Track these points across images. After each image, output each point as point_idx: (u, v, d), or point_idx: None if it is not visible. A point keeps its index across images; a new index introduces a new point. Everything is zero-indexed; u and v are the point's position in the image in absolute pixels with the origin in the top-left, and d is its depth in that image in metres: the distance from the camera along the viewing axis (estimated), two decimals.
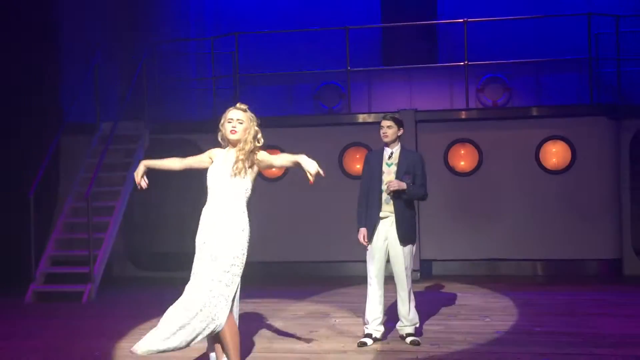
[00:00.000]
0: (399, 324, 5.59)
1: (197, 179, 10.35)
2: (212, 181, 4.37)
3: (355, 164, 9.50)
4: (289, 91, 10.68)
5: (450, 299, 7.54)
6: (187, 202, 10.44)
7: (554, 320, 6.33)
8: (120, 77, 10.31)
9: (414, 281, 8.86)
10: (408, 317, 5.53)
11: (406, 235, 5.49)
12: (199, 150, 10.62)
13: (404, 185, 5.37)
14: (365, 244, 5.50)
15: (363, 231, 5.50)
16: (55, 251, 8.66)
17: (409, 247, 5.52)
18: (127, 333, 6.29)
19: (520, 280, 8.87)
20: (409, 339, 5.49)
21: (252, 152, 4.33)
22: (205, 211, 4.37)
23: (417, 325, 5.64)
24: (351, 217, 5.78)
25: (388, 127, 5.52)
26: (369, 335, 5.52)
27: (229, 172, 4.30)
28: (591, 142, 9.21)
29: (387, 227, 5.48)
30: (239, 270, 4.25)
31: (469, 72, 9.69)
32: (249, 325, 6.43)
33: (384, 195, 5.46)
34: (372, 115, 9.61)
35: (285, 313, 6.99)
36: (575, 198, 9.21)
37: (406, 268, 5.51)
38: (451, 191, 9.39)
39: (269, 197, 9.59)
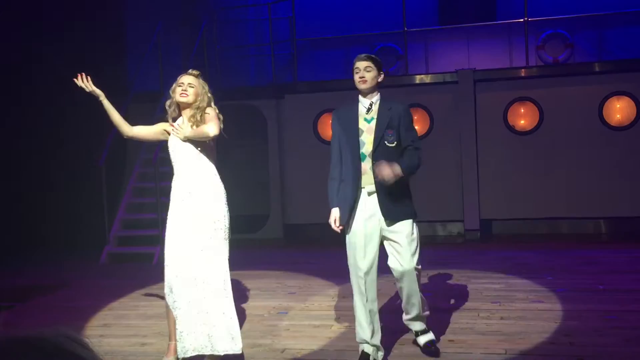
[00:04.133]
0: (404, 316, 4.36)
1: (260, 142, 10.54)
2: (178, 153, 4.26)
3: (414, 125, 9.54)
4: (346, 54, 10.69)
5: (511, 258, 7.56)
6: (249, 166, 10.73)
7: (618, 278, 6.29)
8: (181, 45, 10.54)
9: (472, 241, 8.99)
10: (421, 311, 4.25)
11: (398, 211, 4.04)
12: (261, 116, 10.79)
13: (398, 171, 3.91)
14: (337, 229, 4.12)
15: (334, 213, 4.11)
16: (126, 215, 9.04)
17: (407, 224, 4.05)
18: None
19: (582, 238, 8.80)
20: (422, 339, 4.32)
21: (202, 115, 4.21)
22: (177, 184, 4.26)
23: (428, 313, 4.37)
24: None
25: (366, 69, 4.10)
26: (365, 358, 4.12)
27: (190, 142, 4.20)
28: None
29: (374, 205, 4.04)
30: (225, 233, 4.25)
31: (529, 29, 9.51)
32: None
33: (366, 163, 4.06)
34: (430, 76, 9.58)
35: None
36: None
37: (413, 255, 4.05)
38: (511, 150, 9.32)
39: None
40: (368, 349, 4.08)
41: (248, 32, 11.35)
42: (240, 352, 4.18)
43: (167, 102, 4.35)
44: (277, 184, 10.00)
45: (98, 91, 4.27)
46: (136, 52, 9.81)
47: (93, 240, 8.80)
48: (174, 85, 4.32)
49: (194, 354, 4.16)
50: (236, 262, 8.28)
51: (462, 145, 9.26)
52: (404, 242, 4.01)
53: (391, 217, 4.02)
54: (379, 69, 4.14)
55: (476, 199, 9.24)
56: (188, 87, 4.24)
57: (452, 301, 5.61)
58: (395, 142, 4.07)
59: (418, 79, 9.57)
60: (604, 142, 9.08)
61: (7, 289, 6.95)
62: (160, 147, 8.80)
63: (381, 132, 4.05)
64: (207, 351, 4.14)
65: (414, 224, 4.08)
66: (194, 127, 4.20)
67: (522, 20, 9.50)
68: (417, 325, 4.30)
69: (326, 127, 9.97)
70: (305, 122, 9.88)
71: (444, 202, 9.25)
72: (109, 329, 5.32)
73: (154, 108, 9.52)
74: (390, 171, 3.89)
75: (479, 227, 9.20)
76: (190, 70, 4.36)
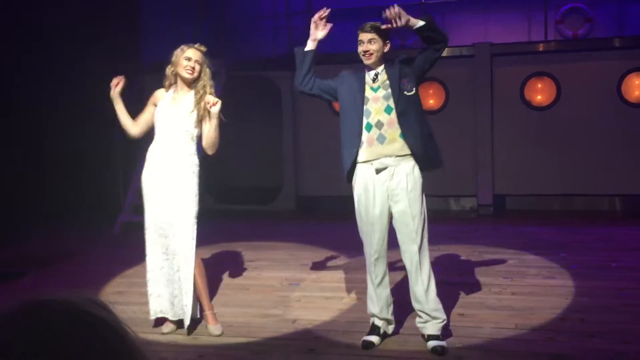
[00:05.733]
0: (418, 319, 4.03)
1: (274, 114, 10.51)
2: (165, 124, 4.26)
3: (429, 99, 9.46)
4: None
5: (524, 234, 7.53)
6: (262, 138, 10.72)
7: (631, 256, 6.26)
8: (197, 16, 10.46)
9: (485, 217, 8.96)
10: (426, 304, 3.90)
11: (427, 160, 3.91)
12: (275, 87, 10.72)
13: (405, 13, 3.73)
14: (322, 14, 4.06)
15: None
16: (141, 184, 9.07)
17: (416, 203, 3.85)
18: (209, 259, 6.64)
19: (597, 215, 8.73)
20: (431, 344, 3.91)
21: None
22: (154, 152, 4.28)
23: (444, 321, 3.98)
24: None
25: (370, 41, 3.85)
26: (375, 330, 4.09)
27: (185, 115, 4.22)
28: None
29: (382, 183, 3.85)
30: (195, 211, 4.25)
31: (548, 2, 9.36)
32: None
33: (373, 133, 3.84)
34: (447, 49, 9.46)
35: None
36: None
37: (419, 235, 3.85)
38: (527, 125, 9.24)
39: None
40: (378, 322, 4.10)
41: (264, 3, 11.24)
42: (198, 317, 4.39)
43: (169, 70, 4.32)
44: (290, 156, 9.99)
45: (117, 96, 4.34)
46: (150, 19, 9.76)
47: (108, 209, 8.86)
48: (177, 54, 4.27)
49: (159, 315, 4.37)
50: (248, 233, 8.37)
51: (477, 120, 9.20)
52: (408, 220, 3.86)
53: (424, 166, 3.88)
54: (386, 38, 3.88)
55: (490, 174, 9.20)
56: (195, 63, 4.25)
57: (464, 276, 5.62)
58: (414, 90, 3.85)
59: None
60: (622, 119, 8.97)
61: (22, 256, 7.04)
62: None
63: (397, 91, 3.82)
64: (169, 315, 4.34)
65: (423, 201, 3.91)
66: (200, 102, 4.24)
67: None
68: (430, 329, 3.95)
69: None
70: None
71: (457, 177, 9.20)
72: (122, 296, 5.39)
73: None
74: (399, 12, 3.70)
75: (492, 202, 9.17)
76: (198, 45, 4.32)
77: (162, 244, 4.27)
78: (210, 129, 4.25)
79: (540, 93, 9.32)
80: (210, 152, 4.35)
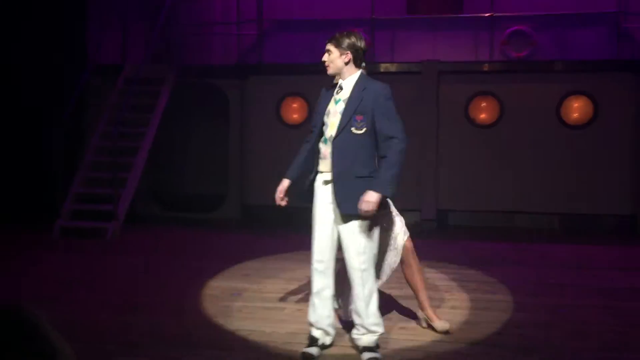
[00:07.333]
0: (353, 330, 4.06)
1: (221, 122, 10.40)
2: None
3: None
4: (313, 38, 10.64)
5: (465, 249, 7.65)
6: (209, 146, 10.62)
7: (569, 273, 6.42)
8: (146, 20, 10.30)
9: (428, 232, 9.04)
10: (366, 319, 3.91)
11: (350, 204, 3.77)
12: (223, 95, 10.59)
13: (374, 198, 3.71)
14: (279, 202, 4.01)
15: (282, 183, 4.01)
16: (81, 189, 8.84)
17: (360, 223, 3.83)
18: (149, 269, 6.53)
19: (535, 233, 8.93)
20: (365, 356, 3.93)
21: None
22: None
23: (379, 332, 4.00)
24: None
25: (327, 52, 3.94)
26: (314, 342, 4.07)
27: None
28: (614, 98, 9.14)
29: (329, 193, 3.89)
30: None
31: (495, 24, 9.58)
32: None
33: (327, 147, 3.87)
34: (395, 65, 9.59)
35: None
36: (594, 154, 9.18)
37: (359, 254, 3.86)
38: (471, 143, 9.41)
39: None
40: (315, 332, 4.08)
41: (214, 10, 11.14)
42: None
43: None
44: (237, 164, 9.91)
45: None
46: (98, 23, 9.56)
47: (45, 213, 8.61)
48: None
49: None
50: (192, 241, 8.25)
51: (423, 135, 9.31)
52: (348, 237, 3.87)
53: (344, 209, 3.80)
54: (343, 48, 3.87)
55: (434, 190, 9.33)
56: None
57: (405, 289, 5.64)
58: (365, 129, 3.78)
59: (383, 67, 9.55)
60: (561, 140, 9.24)
61: None
62: (119, 121, 8.64)
63: (348, 116, 3.78)
64: None
65: (369, 222, 3.86)
66: None
67: (487, 15, 9.57)
68: (365, 340, 3.98)
69: (289, 110, 9.92)
70: (268, 103, 9.79)
71: (401, 191, 9.26)
72: (57, 301, 5.23)
73: (114, 82, 9.29)
74: (366, 205, 3.69)
75: (436, 217, 9.29)
76: None
77: None
78: None
79: (484, 112, 9.51)
80: None
